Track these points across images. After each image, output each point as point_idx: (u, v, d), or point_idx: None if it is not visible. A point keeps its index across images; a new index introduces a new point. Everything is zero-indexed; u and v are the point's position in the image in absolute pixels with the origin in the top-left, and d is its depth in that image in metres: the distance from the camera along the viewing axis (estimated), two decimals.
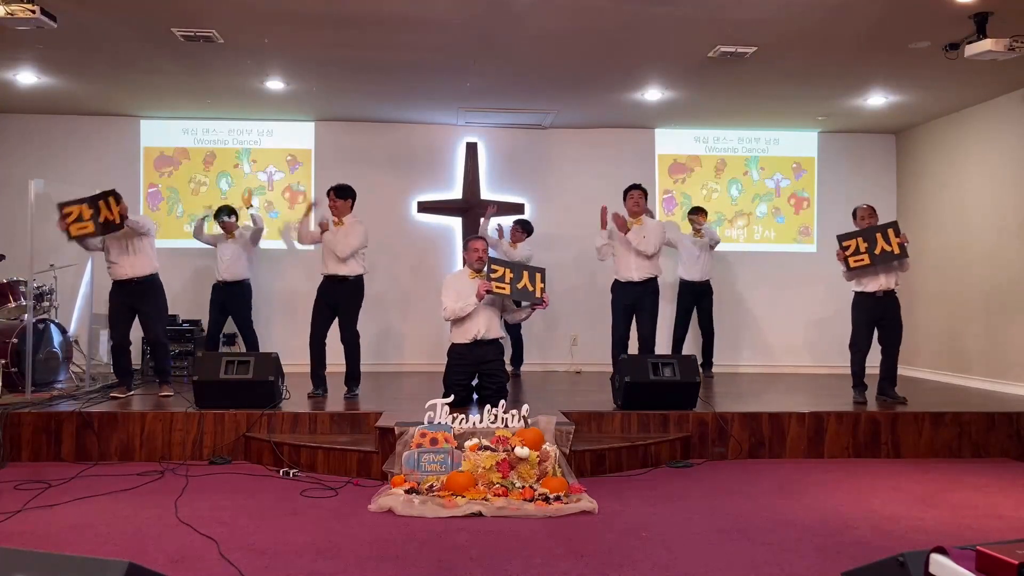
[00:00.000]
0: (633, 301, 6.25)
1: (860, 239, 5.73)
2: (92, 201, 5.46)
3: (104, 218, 5.44)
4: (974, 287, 7.43)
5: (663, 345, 7.36)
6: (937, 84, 6.76)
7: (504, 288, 5.40)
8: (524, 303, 5.61)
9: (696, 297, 7.59)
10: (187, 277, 8.02)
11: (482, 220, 7.77)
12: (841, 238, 5.82)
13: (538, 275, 5.45)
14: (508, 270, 5.45)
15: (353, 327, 5.94)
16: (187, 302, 7.94)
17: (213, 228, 7.31)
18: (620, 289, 6.31)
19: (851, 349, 6.01)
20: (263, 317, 7.79)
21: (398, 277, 8.21)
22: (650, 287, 6.26)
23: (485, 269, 5.48)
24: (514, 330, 7.67)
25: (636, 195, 6.32)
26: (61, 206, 5.49)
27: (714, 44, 5.80)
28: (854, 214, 6.08)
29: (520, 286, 5.43)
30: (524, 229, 7.70)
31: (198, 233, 7.26)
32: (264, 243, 7.62)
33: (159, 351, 5.99)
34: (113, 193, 5.48)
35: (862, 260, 5.70)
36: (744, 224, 8.64)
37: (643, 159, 8.56)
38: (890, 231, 5.68)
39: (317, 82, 6.91)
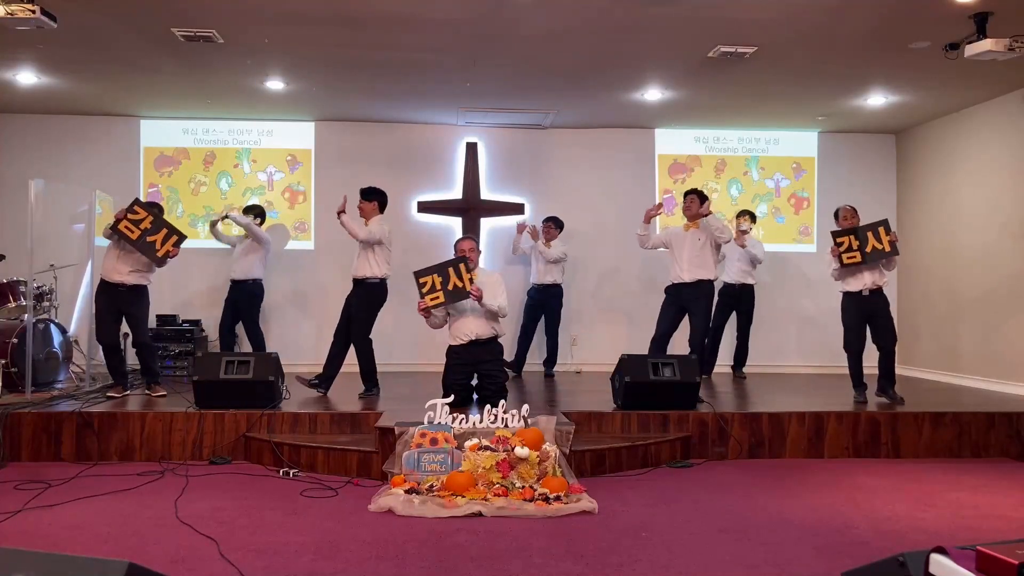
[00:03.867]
0: (684, 305, 6.11)
1: (852, 237, 5.75)
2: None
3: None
4: (974, 286, 7.43)
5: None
6: (937, 84, 6.76)
7: (439, 297, 5.31)
8: (460, 301, 5.44)
9: (736, 301, 7.59)
10: (187, 277, 8.02)
11: (517, 236, 7.84)
12: (835, 234, 5.84)
13: (461, 266, 5.28)
14: (435, 276, 5.29)
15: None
16: (188, 302, 7.95)
17: (231, 229, 7.54)
18: (673, 293, 6.17)
19: (846, 351, 5.98)
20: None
21: (398, 277, 8.19)
22: (703, 289, 6.11)
23: (418, 286, 5.35)
24: (551, 333, 7.78)
25: (690, 199, 6.23)
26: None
27: (714, 44, 5.80)
28: (836, 214, 6.08)
29: (451, 287, 5.29)
30: (557, 226, 7.76)
31: (216, 234, 7.50)
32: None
33: (146, 352, 5.93)
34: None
35: (854, 257, 5.73)
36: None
37: (643, 159, 8.56)
38: (880, 229, 5.71)
39: (317, 82, 6.91)
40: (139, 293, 5.84)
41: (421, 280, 5.35)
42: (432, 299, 5.33)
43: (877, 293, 5.85)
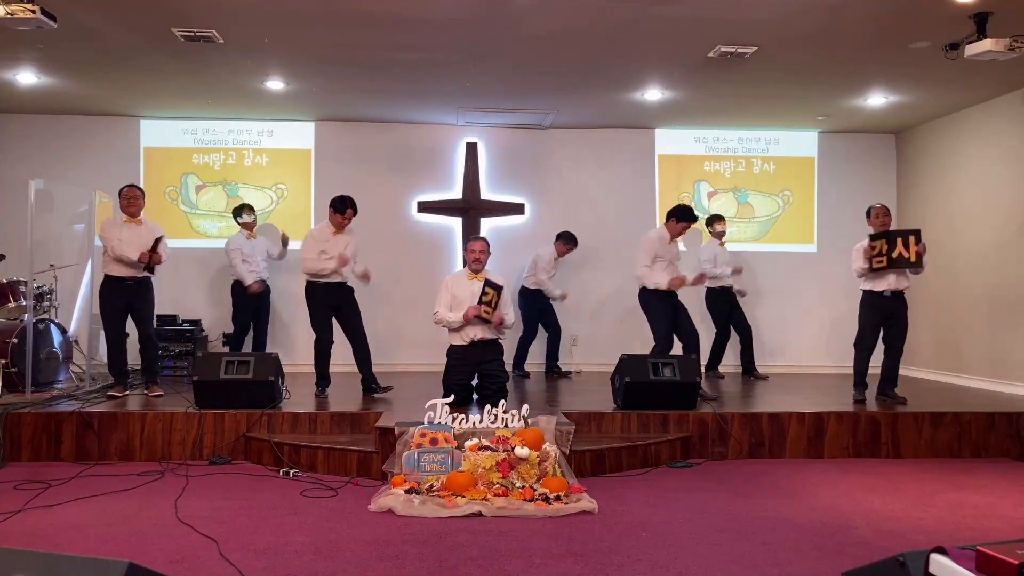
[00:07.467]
0: (675, 304, 6.24)
1: (884, 241, 5.72)
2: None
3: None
4: (974, 287, 7.43)
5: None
6: (937, 84, 6.76)
7: (490, 313, 5.54)
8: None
9: (731, 303, 7.65)
10: (187, 277, 8.02)
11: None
12: (873, 236, 5.79)
13: (495, 296, 5.59)
14: (496, 295, 5.55)
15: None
16: (187, 302, 7.94)
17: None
18: (667, 295, 6.21)
19: (856, 347, 5.98)
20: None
21: (398, 277, 8.21)
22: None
23: (481, 293, 5.51)
24: (552, 330, 7.78)
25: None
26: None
27: (714, 44, 5.80)
28: (868, 213, 6.03)
29: (494, 306, 5.60)
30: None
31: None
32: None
33: (152, 350, 5.96)
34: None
35: (881, 262, 5.71)
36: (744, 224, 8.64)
37: (643, 159, 8.56)
38: (911, 238, 5.68)
39: (317, 82, 6.91)
40: (146, 286, 5.88)
41: (488, 290, 5.53)
42: (486, 313, 5.52)
43: (898, 296, 5.83)
